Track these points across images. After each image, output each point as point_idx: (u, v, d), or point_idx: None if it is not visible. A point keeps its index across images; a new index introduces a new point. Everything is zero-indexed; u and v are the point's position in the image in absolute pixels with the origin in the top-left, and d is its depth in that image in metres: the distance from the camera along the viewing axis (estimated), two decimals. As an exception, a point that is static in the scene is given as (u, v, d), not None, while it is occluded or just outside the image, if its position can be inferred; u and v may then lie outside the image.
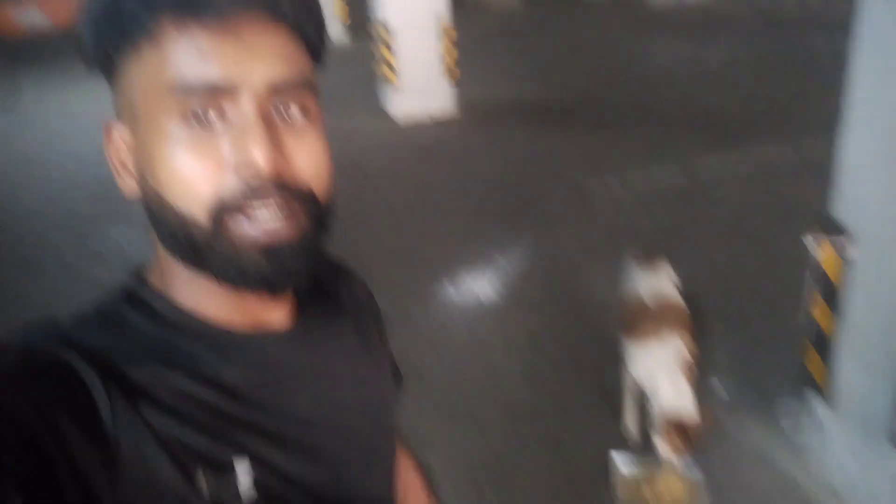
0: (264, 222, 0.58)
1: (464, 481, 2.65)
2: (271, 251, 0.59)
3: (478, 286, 4.03)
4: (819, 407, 2.46)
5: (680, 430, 2.32)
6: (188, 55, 0.56)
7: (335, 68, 9.90)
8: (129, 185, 0.64)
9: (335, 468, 0.69)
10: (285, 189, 0.58)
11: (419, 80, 7.19)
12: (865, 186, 2.15)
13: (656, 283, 2.79)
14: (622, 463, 2.61)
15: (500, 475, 2.67)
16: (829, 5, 10.83)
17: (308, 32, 0.62)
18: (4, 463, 0.46)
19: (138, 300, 0.64)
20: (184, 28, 0.56)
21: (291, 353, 0.68)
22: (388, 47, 7.05)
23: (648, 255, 2.97)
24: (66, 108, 8.95)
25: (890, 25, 1.99)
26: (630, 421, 2.80)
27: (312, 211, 0.61)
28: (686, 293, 2.87)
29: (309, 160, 0.60)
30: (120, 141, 0.63)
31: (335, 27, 11.85)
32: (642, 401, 2.76)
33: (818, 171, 4.97)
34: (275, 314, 0.68)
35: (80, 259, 4.77)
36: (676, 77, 8.14)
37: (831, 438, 2.42)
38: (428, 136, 6.85)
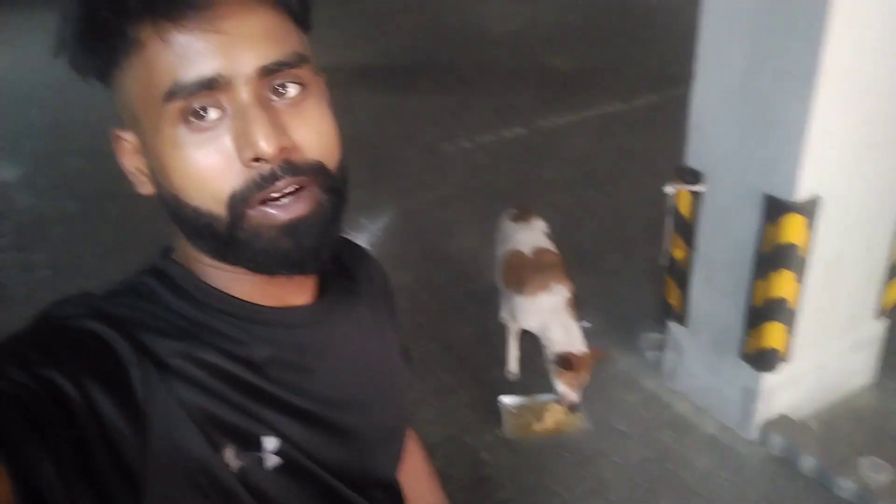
0: (281, 205, 0.58)
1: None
2: (292, 229, 0.59)
3: (349, 250, 4.06)
4: (679, 333, 2.79)
5: (577, 366, 2.54)
6: (175, 59, 0.55)
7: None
8: (146, 188, 0.64)
9: (356, 446, 0.71)
10: (295, 168, 0.58)
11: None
12: (712, 135, 2.44)
13: (534, 237, 2.97)
14: (510, 402, 2.83)
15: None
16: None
17: (290, 4, 0.61)
18: (36, 429, 0.47)
19: (168, 277, 0.65)
20: (164, 33, 0.55)
21: (316, 332, 0.70)
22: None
23: (523, 212, 3.14)
24: None
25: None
26: (514, 365, 3.00)
27: (326, 183, 0.61)
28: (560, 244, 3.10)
29: (314, 134, 0.60)
30: (130, 147, 0.63)
31: None
32: (521, 345, 2.98)
33: (649, 123, 5.51)
34: (299, 295, 0.69)
35: None
36: (513, 38, 8.46)
37: (689, 358, 2.76)
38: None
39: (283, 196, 0.58)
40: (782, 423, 2.56)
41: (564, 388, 2.57)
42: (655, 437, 2.68)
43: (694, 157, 2.52)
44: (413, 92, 6.75)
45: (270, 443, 0.61)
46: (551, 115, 5.95)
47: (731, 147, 2.38)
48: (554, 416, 2.74)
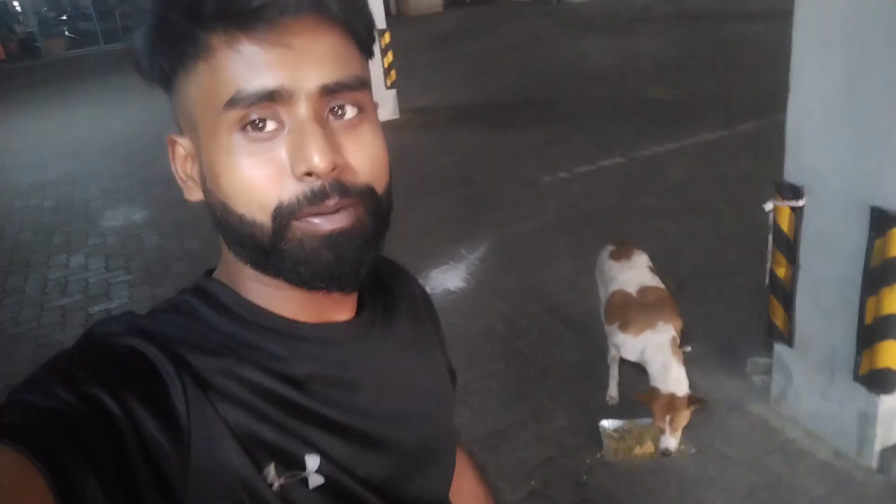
0: (327, 220, 0.59)
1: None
2: (334, 241, 0.60)
3: (447, 278, 4.16)
4: (785, 355, 2.68)
5: (676, 410, 2.50)
6: (242, 68, 0.56)
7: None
8: (195, 194, 0.65)
9: (400, 464, 0.70)
10: (345, 189, 0.59)
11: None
12: (811, 148, 2.37)
13: (637, 274, 2.94)
14: (610, 425, 2.80)
15: (495, 450, 2.80)
16: (739, -3, 11.44)
17: (357, 30, 0.62)
18: (81, 446, 0.47)
19: (209, 295, 0.66)
20: (235, 41, 0.56)
21: (356, 348, 0.69)
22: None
23: (625, 248, 3.12)
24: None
25: (820, 3, 2.22)
26: (614, 390, 2.97)
27: (372, 205, 0.62)
28: (662, 273, 3.06)
29: (366, 156, 0.61)
30: (183, 153, 0.65)
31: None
32: (623, 370, 2.95)
33: (751, 148, 5.36)
34: (339, 311, 0.69)
35: (41, 291, 4.69)
36: (612, 73, 8.47)
37: (798, 381, 2.64)
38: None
39: (328, 208, 0.59)
40: (904, 450, 2.40)
41: (661, 428, 2.51)
42: (764, 463, 2.57)
43: (793, 171, 2.46)
44: (513, 128, 6.87)
45: (313, 461, 0.61)
46: (650, 144, 5.90)
47: (832, 159, 2.31)
48: (655, 440, 2.68)
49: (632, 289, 2.84)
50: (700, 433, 2.72)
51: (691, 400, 2.49)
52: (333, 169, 0.58)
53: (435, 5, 15.85)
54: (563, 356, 3.34)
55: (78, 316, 4.26)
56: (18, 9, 17.81)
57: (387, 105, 7.51)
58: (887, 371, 2.28)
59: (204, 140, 0.60)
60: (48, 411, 0.49)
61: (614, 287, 2.91)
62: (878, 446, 2.42)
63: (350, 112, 0.60)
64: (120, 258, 5.00)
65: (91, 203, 6.22)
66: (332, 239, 0.59)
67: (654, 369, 2.59)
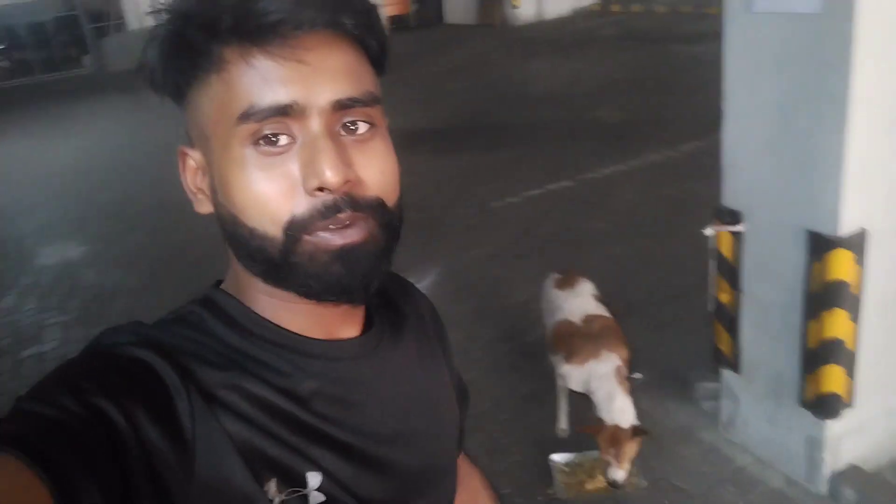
0: (338, 235, 0.59)
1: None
2: (345, 255, 0.59)
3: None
4: (733, 381, 2.66)
5: (621, 441, 2.43)
6: (255, 82, 0.57)
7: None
8: (204, 207, 0.65)
9: (402, 484, 0.69)
10: (356, 203, 0.59)
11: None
12: (748, 173, 2.37)
13: (582, 303, 2.89)
14: (561, 460, 2.73)
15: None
16: (679, 20, 11.72)
17: (370, 46, 0.63)
18: (84, 457, 0.47)
19: (217, 306, 0.65)
20: (249, 56, 0.57)
21: (362, 366, 0.69)
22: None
23: (568, 277, 3.08)
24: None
25: (751, 32, 2.22)
26: (564, 422, 2.92)
27: (382, 219, 0.62)
28: (605, 299, 3.02)
29: (378, 171, 0.62)
30: (194, 165, 0.65)
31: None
32: (573, 400, 2.89)
33: (697, 168, 5.41)
34: (347, 327, 0.69)
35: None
36: (559, 95, 8.54)
37: (746, 407, 2.62)
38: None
39: (339, 222, 0.59)
40: (854, 475, 2.39)
41: (607, 461, 2.45)
42: (717, 494, 2.53)
43: (731, 196, 2.45)
44: (462, 153, 6.85)
45: (314, 479, 0.60)
46: (598, 166, 5.92)
47: (768, 183, 2.30)
48: (606, 473, 2.62)
49: (576, 318, 2.79)
50: (652, 464, 2.67)
51: (636, 431, 2.44)
52: (345, 184, 0.58)
53: (383, 30, 15.86)
54: (517, 387, 3.28)
55: (6, 360, 4.06)
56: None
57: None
58: (832, 395, 2.27)
59: (216, 153, 0.60)
60: (52, 421, 0.49)
61: (559, 316, 2.86)
62: (827, 471, 2.40)
63: (362, 128, 0.61)
64: (54, 298, 4.80)
65: (24, 240, 6.00)
66: (343, 253, 0.59)
67: (598, 399, 2.54)
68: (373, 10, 0.63)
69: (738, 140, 2.39)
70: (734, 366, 2.62)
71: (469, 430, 2.80)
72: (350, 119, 0.60)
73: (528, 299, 3.82)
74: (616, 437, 2.41)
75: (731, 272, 2.52)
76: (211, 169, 0.62)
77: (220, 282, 0.70)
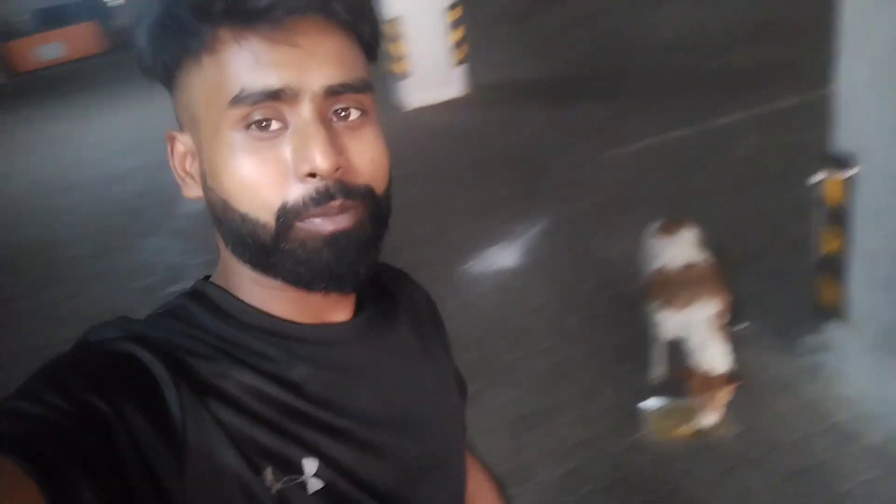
0: (330, 221, 0.59)
1: (504, 437, 2.79)
2: (335, 241, 0.59)
3: (502, 257, 4.16)
4: (839, 332, 2.56)
5: (714, 387, 2.43)
6: (247, 65, 0.56)
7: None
8: (193, 191, 0.65)
9: (401, 469, 0.68)
10: (348, 190, 0.59)
11: (430, 69, 7.32)
12: (862, 114, 2.24)
13: (682, 250, 2.84)
14: (654, 405, 2.75)
15: (537, 429, 2.80)
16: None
17: (363, 32, 0.63)
18: (75, 454, 0.47)
19: (205, 298, 0.65)
20: (241, 38, 0.56)
21: (354, 350, 0.69)
22: (398, 40, 7.16)
23: (671, 223, 3.03)
24: (90, 134, 9.27)
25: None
26: (658, 370, 2.92)
27: (371, 206, 0.62)
28: (713, 248, 2.96)
29: (368, 158, 0.61)
30: (183, 149, 0.65)
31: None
32: (668, 352, 2.88)
33: (826, 115, 5.06)
34: (337, 312, 0.69)
35: (126, 273, 5.00)
36: (685, 42, 8.14)
37: (850, 359, 2.52)
38: (441, 120, 7.00)
39: (330, 208, 0.59)
40: (964, 435, 2.26)
41: (699, 406, 2.45)
42: (812, 445, 2.47)
43: (843, 139, 2.33)
44: (582, 102, 6.73)
45: (311, 465, 0.60)
46: (721, 114, 5.65)
47: (883, 125, 2.17)
48: (699, 420, 2.62)
49: (676, 265, 2.76)
50: (747, 413, 2.63)
51: (729, 377, 2.41)
52: (336, 170, 0.58)
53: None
54: (613, 335, 3.29)
55: (153, 296, 4.51)
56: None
57: (455, 82, 7.50)
58: (943, 351, 2.15)
59: (206, 137, 0.60)
60: (40, 418, 0.48)
61: (658, 263, 2.84)
62: (935, 430, 2.28)
63: (354, 114, 0.61)
64: (197, 239, 5.22)
65: (168, 188, 6.54)
66: (333, 239, 0.59)
67: (693, 346, 2.52)
68: None
69: (852, 80, 2.26)
70: (839, 315, 2.52)
71: (562, 376, 2.90)
72: (342, 105, 0.60)
73: (632, 249, 3.77)
74: (708, 382, 2.40)
75: (839, 218, 2.40)
76: (200, 153, 0.62)
77: (208, 276, 0.70)
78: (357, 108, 0.61)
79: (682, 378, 2.52)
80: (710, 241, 2.96)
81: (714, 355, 2.47)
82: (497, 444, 2.76)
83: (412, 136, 6.67)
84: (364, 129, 0.61)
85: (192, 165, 0.65)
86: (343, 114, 0.60)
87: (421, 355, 0.77)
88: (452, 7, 7.23)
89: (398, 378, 0.71)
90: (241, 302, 0.65)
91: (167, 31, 0.58)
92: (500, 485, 0.98)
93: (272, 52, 0.56)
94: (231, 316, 0.64)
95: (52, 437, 0.47)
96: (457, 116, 7.07)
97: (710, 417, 2.46)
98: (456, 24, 7.27)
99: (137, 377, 0.55)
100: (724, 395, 2.44)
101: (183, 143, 0.65)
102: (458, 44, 7.35)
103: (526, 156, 5.68)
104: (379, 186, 0.63)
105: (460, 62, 7.45)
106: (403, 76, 7.33)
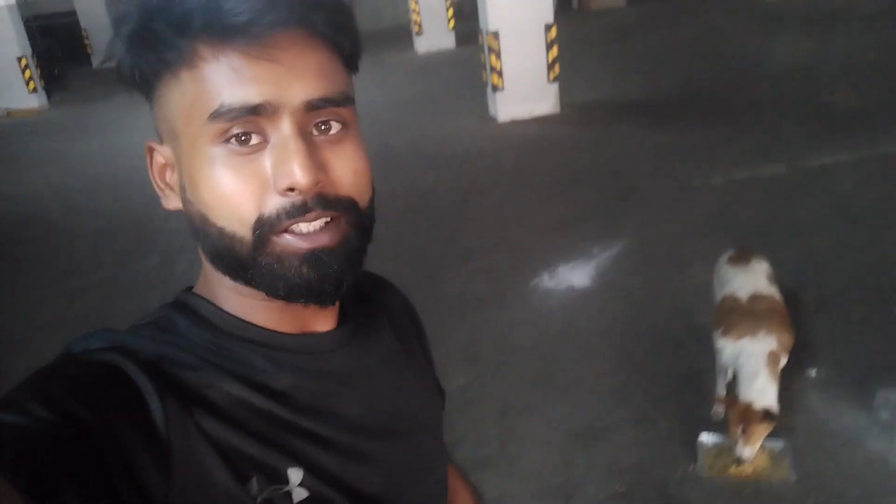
0: (306, 234, 0.59)
1: (555, 451, 2.80)
2: (314, 258, 0.59)
3: (575, 274, 4.16)
4: (915, 391, 2.46)
5: (750, 420, 2.41)
6: (226, 79, 0.56)
7: (441, 73, 10.15)
8: (172, 203, 0.65)
9: (386, 476, 0.68)
10: (327, 202, 0.59)
11: (525, 83, 7.38)
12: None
13: (752, 281, 2.82)
14: (710, 440, 2.71)
15: (589, 448, 2.80)
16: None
17: (343, 45, 0.62)
18: (60, 465, 0.47)
19: (188, 308, 0.66)
20: (220, 53, 0.56)
21: (338, 358, 0.69)
22: (496, 54, 7.27)
23: (744, 253, 3.00)
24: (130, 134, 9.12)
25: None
26: (719, 407, 2.86)
27: (353, 219, 0.62)
28: (785, 286, 2.90)
29: (349, 171, 0.61)
30: (162, 161, 0.65)
31: (443, 33, 12.37)
32: (733, 388, 2.83)
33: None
34: (320, 322, 0.69)
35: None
36: (793, 74, 7.90)
37: (926, 421, 2.41)
38: (532, 135, 7.04)
39: (309, 223, 0.59)
40: None
41: (735, 437, 2.42)
42: (875, 503, 2.38)
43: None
44: (674, 127, 6.63)
45: (296, 474, 0.60)
46: (820, 153, 5.47)
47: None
48: (755, 461, 2.56)
49: (742, 294, 2.73)
50: (808, 461, 2.56)
51: (766, 414, 2.38)
52: (316, 185, 0.58)
53: (618, 0, 15.51)
54: (677, 365, 3.25)
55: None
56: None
57: (548, 99, 7.54)
58: None
59: (185, 150, 0.60)
60: (25, 429, 0.48)
61: (726, 292, 2.81)
62: None
63: (334, 128, 0.61)
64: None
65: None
66: (311, 256, 0.59)
67: (742, 376, 2.50)
68: (345, 8, 0.62)
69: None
70: (917, 375, 2.42)
71: (621, 398, 2.91)
72: (322, 119, 0.60)
73: (708, 281, 3.72)
74: (746, 415, 2.39)
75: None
76: (180, 166, 0.62)
77: (191, 287, 0.70)
78: (338, 122, 0.61)
79: (725, 405, 2.50)
80: (787, 280, 2.90)
81: (759, 389, 2.43)
82: (548, 457, 2.78)
83: (502, 147, 6.74)
84: (345, 142, 0.61)
85: (171, 177, 0.65)
86: (324, 127, 0.60)
87: (404, 362, 0.77)
88: (549, 27, 7.28)
89: (382, 385, 0.72)
90: (225, 312, 0.65)
91: (145, 43, 0.58)
92: (477, 491, 0.99)
93: (251, 68, 0.56)
94: (215, 326, 0.64)
95: (36, 448, 0.47)
96: (548, 132, 7.08)
97: (745, 450, 2.43)
98: (552, 43, 7.31)
99: (122, 388, 0.55)
100: (760, 430, 2.41)
101: (162, 154, 0.64)
102: (553, 62, 7.38)
103: (612, 176, 5.65)
104: (362, 199, 0.63)
105: (555, 79, 7.47)
106: (499, 89, 7.42)
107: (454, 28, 12.55)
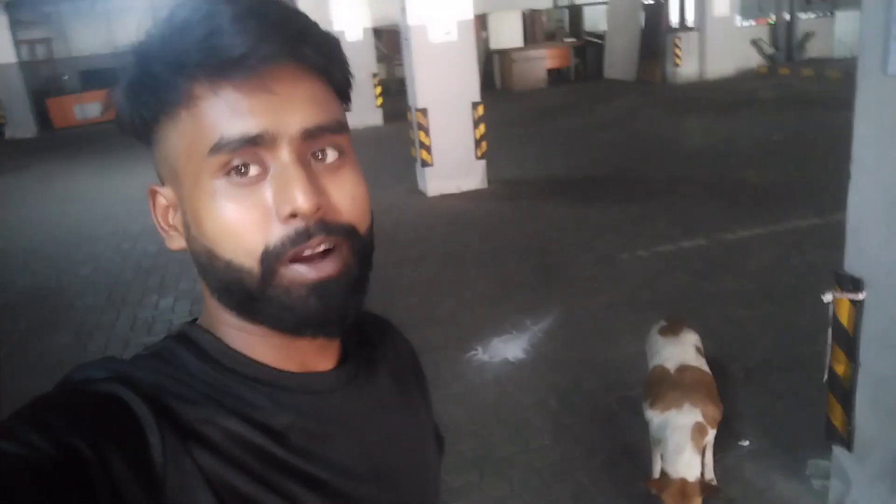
0: (312, 263, 0.59)
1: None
2: (321, 289, 0.60)
3: (507, 348, 4.13)
4: (844, 459, 2.49)
5: (689, 495, 2.38)
6: (224, 114, 0.57)
7: (371, 148, 10.24)
8: (176, 243, 0.65)
9: None
10: (329, 228, 0.60)
11: (453, 160, 7.54)
12: (872, 239, 2.26)
13: (680, 352, 2.84)
14: (650, 517, 2.66)
15: (529, 529, 2.72)
16: (851, 85, 11.05)
17: (334, 75, 0.64)
18: (50, 495, 0.46)
19: (191, 342, 0.65)
20: (217, 89, 0.57)
21: (337, 399, 0.68)
22: (425, 131, 7.40)
23: (674, 324, 3.04)
24: (116, 192, 9.48)
25: (882, 93, 2.15)
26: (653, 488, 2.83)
27: (355, 246, 0.63)
28: (712, 358, 2.94)
29: (349, 197, 0.62)
30: (164, 203, 0.65)
31: (371, 110, 12.55)
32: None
33: (844, 238, 5.09)
34: (321, 361, 0.69)
35: (129, 328, 5.01)
36: (708, 153, 8.34)
37: (857, 489, 2.44)
38: (460, 209, 7.12)
39: (314, 255, 0.59)
40: (973, 580, 2.16)
41: None
42: (813, 575, 2.37)
43: (853, 262, 2.34)
44: (599, 204, 6.83)
45: None
46: (737, 227, 5.72)
47: (893, 251, 2.18)
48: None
49: (671, 365, 2.75)
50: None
51: (703, 486, 2.35)
52: (317, 210, 0.59)
53: (539, 81, 16.21)
54: (613, 437, 3.23)
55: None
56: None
57: (475, 174, 7.69)
58: (951, 487, 2.08)
59: (187, 188, 0.61)
60: (20, 459, 0.47)
61: (655, 362, 2.83)
62: (943, 572, 2.19)
63: (331, 156, 0.62)
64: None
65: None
66: (318, 287, 0.60)
67: (667, 451, 2.47)
68: (333, 41, 0.64)
69: (863, 204, 2.29)
70: (847, 443, 2.46)
71: (556, 475, 2.84)
72: (319, 147, 0.61)
73: (638, 353, 3.75)
74: (684, 491, 2.34)
75: (848, 342, 2.38)
76: (182, 204, 0.63)
77: (195, 319, 0.70)
78: (334, 150, 0.62)
79: (655, 488, 2.46)
80: (715, 351, 2.94)
81: (686, 463, 2.41)
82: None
83: (431, 221, 6.78)
84: (343, 169, 0.63)
85: (174, 218, 0.65)
86: (321, 156, 0.61)
87: (401, 406, 0.77)
88: (476, 105, 7.50)
89: (378, 429, 0.71)
90: (228, 347, 0.65)
91: (144, 87, 0.59)
92: None
93: (248, 100, 0.57)
94: (217, 361, 0.64)
95: (30, 479, 0.46)
96: (476, 207, 7.18)
97: None
98: (479, 121, 7.52)
99: (121, 419, 0.54)
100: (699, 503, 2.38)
101: (164, 196, 0.65)
102: (481, 139, 7.58)
103: (540, 250, 5.73)
104: (361, 225, 0.64)
105: (482, 156, 7.65)
106: (428, 164, 7.52)
107: (381, 105, 12.77)
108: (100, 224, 7.87)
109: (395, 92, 13.66)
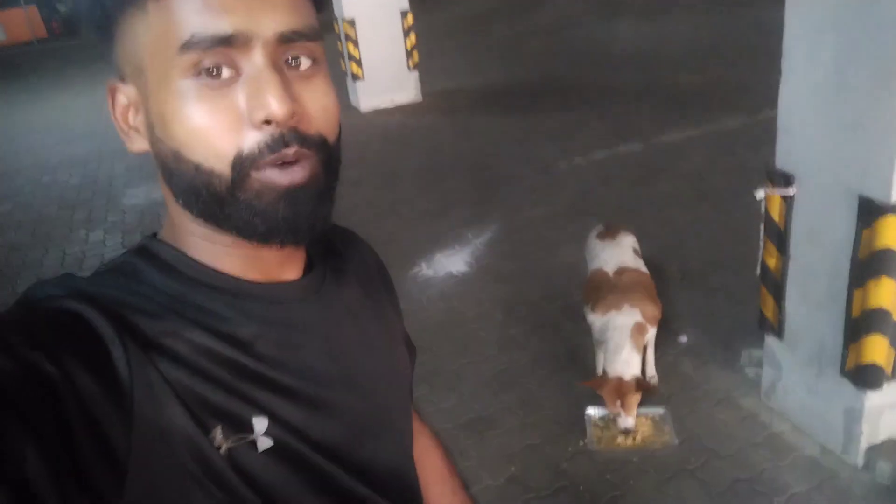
0: (284, 169, 0.58)
1: (447, 442, 2.76)
2: (291, 195, 0.58)
3: (451, 263, 4.15)
4: (776, 347, 2.62)
5: (625, 392, 2.50)
6: (196, 9, 0.54)
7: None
8: (137, 145, 0.63)
9: (349, 426, 0.68)
10: (302, 137, 0.58)
11: (384, 72, 7.32)
12: (802, 135, 2.30)
13: (619, 254, 2.90)
14: (596, 414, 2.77)
15: (481, 436, 2.79)
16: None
17: None
18: (19, 416, 0.45)
19: (153, 255, 0.63)
20: None
21: (304, 308, 0.68)
22: (354, 42, 7.13)
23: (612, 228, 3.09)
24: (30, 122, 8.94)
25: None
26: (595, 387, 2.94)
27: (324, 156, 0.61)
28: (650, 260, 3.01)
29: (321, 106, 0.60)
30: (125, 101, 0.62)
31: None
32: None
33: (774, 136, 5.21)
34: (287, 270, 0.68)
35: (59, 264, 4.82)
36: (639, 58, 8.32)
37: (788, 375, 2.58)
38: (395, 125, 6.98)
39: (285, 156, 0.58)
40: (891, 449, 2.33)
41: (615, 413, 2.51)
42: (749, 456, 2.52)
43: (784, 158, 2.39)
44: (535, 113, 6.79)
45: (261, 423, 0.59)
46: (670, 130, 5.79)
47: (822, 147, 2.23)
48: (640, 430, 2.65)
49: (609, 268, 2.81)
50: (686, 425, 2.68)
51: (639, 384, 2.48)
52: (292, 117, 0.57)
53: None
54: (557, 344, 3.32)
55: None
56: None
57: (408, 87, 7.51)
58: (873, 366, 2.21)
59: (152, 86, 0.58)
60: None
61: (594, 266, 2.89)
62: (864, 444, 2.35)
63: (305, 63, 0.60)
64: (137, 235, 5.09)
65: (114, 180, 6.36)
66: (289, 193, 0.58)
67: (607, 351, 2.58)
68: None
69: (793, 101, 2.32)
70: (778, 332, 2.58)
71: (506, 383, 2.90)
72: (294, 53, 0.59)
73: (578, 261, 3.82)
74: (620, 388, 2.46)
75: (779, 236, 2.46)
76: (147, 104, 0.59)
77: (155, 234, 0.68)
78: (308, 57, 0.60)
79: (592, 387, 2.57)
80: (653, 253, 3.01)
81: (624, 361, 2.53)
82: (439, 450, 2.74)
83: (367, 138, 6.64)
84: (316, 78, 0.60)
85: (136, 118, 0.62)
86: (294, 63, 0.59)
87: (370, 314, 0.76)
88: (405, 13, 7.24)
89: (347, 336, 0.71)
90: (191, 259, 0.63)
91: None
92: (446, 449, 1.01)
93: None
94: (180, 273, 0.62)
95: None
96: (411, 121, 7.06)
97: (628, 420, 2.52)
98: (409, 30, 7.28)
99: (83, 336, 0.53)
100: (635, 400, 2.50)
101: (126, 94, 0.62)
102: (412, 49, 7.36)
103: (478, 163, 5.70)
104: (331, 135, 0.62)
105: (415, 67, 7.45)
106: (359, 78, 7.30)
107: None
108: (15, 157, 7.45)
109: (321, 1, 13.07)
